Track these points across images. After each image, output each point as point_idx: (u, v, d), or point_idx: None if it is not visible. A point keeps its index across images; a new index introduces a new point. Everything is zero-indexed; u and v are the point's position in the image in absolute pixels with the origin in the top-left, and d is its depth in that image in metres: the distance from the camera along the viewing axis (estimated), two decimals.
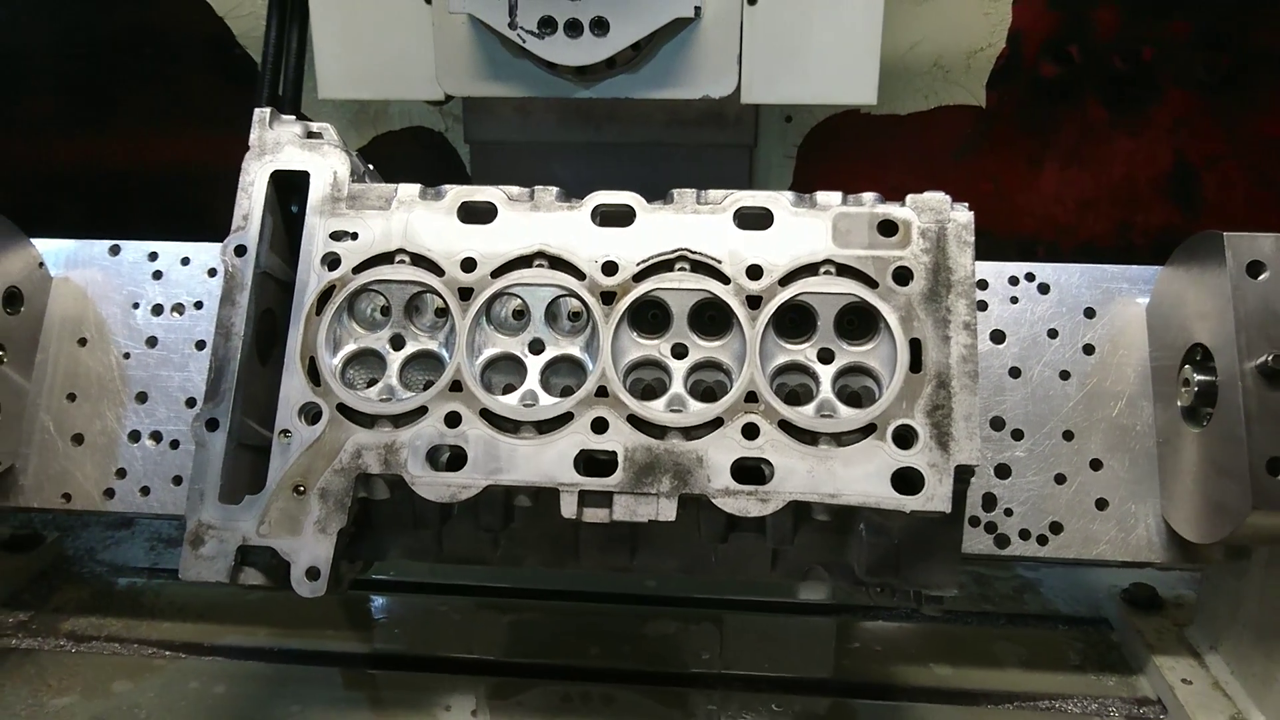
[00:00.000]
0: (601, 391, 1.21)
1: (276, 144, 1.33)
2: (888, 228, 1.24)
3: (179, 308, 1.60)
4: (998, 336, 1.50)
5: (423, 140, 2.40)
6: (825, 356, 1.23)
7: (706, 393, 1.25)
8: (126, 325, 1.59)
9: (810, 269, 1.23)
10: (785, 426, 1.18)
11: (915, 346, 1.19)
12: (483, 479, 1.19)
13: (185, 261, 1.62)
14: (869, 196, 1.26)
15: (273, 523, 1.20)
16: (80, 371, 1.58)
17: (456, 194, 1.29)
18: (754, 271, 1.23)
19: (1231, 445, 1.22)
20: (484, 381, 1.25)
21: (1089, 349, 1.48)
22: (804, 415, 1.18)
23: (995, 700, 1.48)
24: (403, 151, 2.48)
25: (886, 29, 1.64)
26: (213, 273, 1.60)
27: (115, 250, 1.63)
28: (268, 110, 1.35)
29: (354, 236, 1.29)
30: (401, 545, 1.32)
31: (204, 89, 2.44)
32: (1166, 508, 1.37)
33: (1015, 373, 1.48)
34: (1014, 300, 1.50)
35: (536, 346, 1.27)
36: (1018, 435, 1.46)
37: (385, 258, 1.28)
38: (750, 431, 1.18)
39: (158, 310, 1.60)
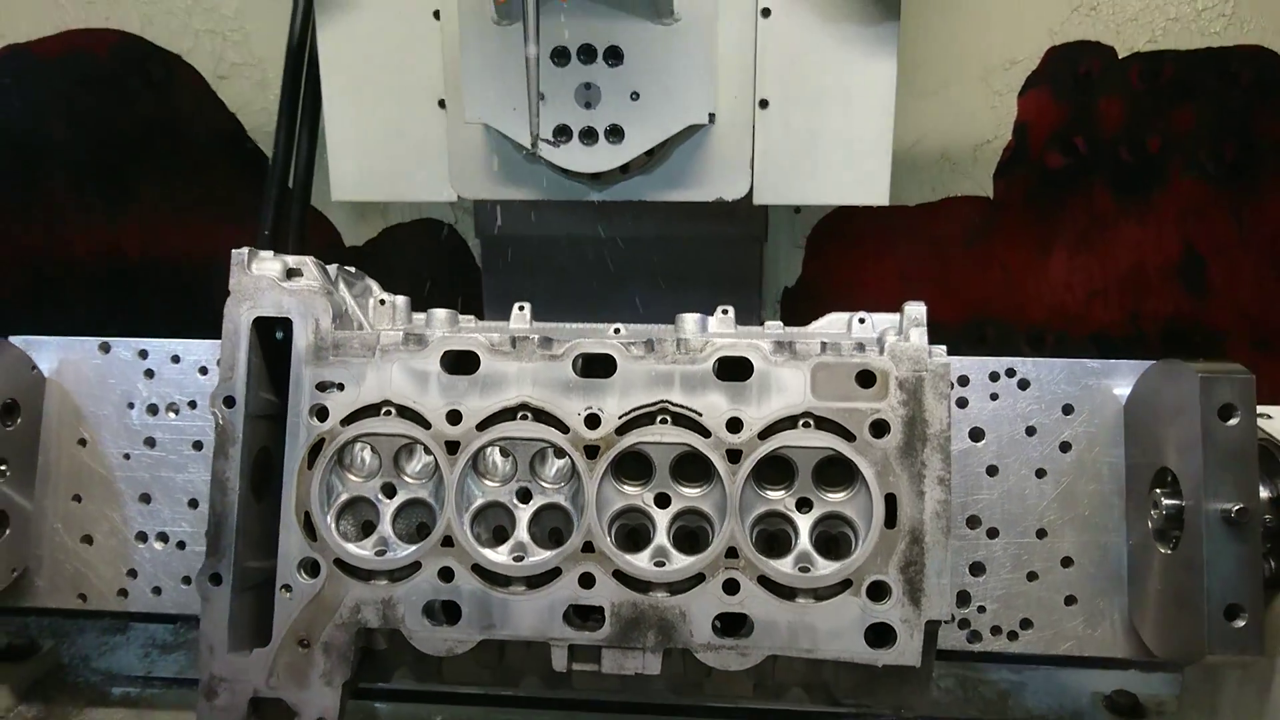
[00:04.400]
0: (588, 546, 1.25)
1: (256, 288, 1.33)
2: (866, 378, 1.25)
3: (174, 407, 1.62)
4: (977, 434, 1.52)
5: (432, 233, 2.43)
6: (804, 505, 1.27)
7: (690, 535, 1.29)
8: (123, 426, 1.62)
9: (789, 420, 1.26)
10: (764, 581, 1.23)
11: (890, 501, 1.23)
12: (477, 634, 1.26)
13: (175, 359, 1.63)
14: (849, 345, 1.27)
15: (280, 675, 1.27)
16: (83, 473, 1.62)
17: (438, 343, 1.30)
18: (734, 425, 1.26)
19: (1193, 579, 1.27)
20: (474, 530, 1.29)
21: (1065, 446, 1.50)
22: (783, 572, 1.23)
23: None
24: (412, 244, 2.54)
25: (893, 124, 1.68)
26: (204, 370, 1.61)
27: (105, 348, 1.64)
28: (245, 250, 1.35)
29: (340, 387, 1.31)
30: (403, 672, 1.39)
31: (217, 181, 2.54)
32: (1135, 614, 1.43)
33: (993, 470, 1.51)
34: (994, 397, 1.52)
35: (524, 495, 1.30)
36: (993, 533, 1.50)
37: (372, 409, 1.30)
38: (731, 587, 1.23)
39: (153, 410, 1.62)
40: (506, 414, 1.29)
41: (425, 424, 1.29)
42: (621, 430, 1.27)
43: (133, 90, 2.48)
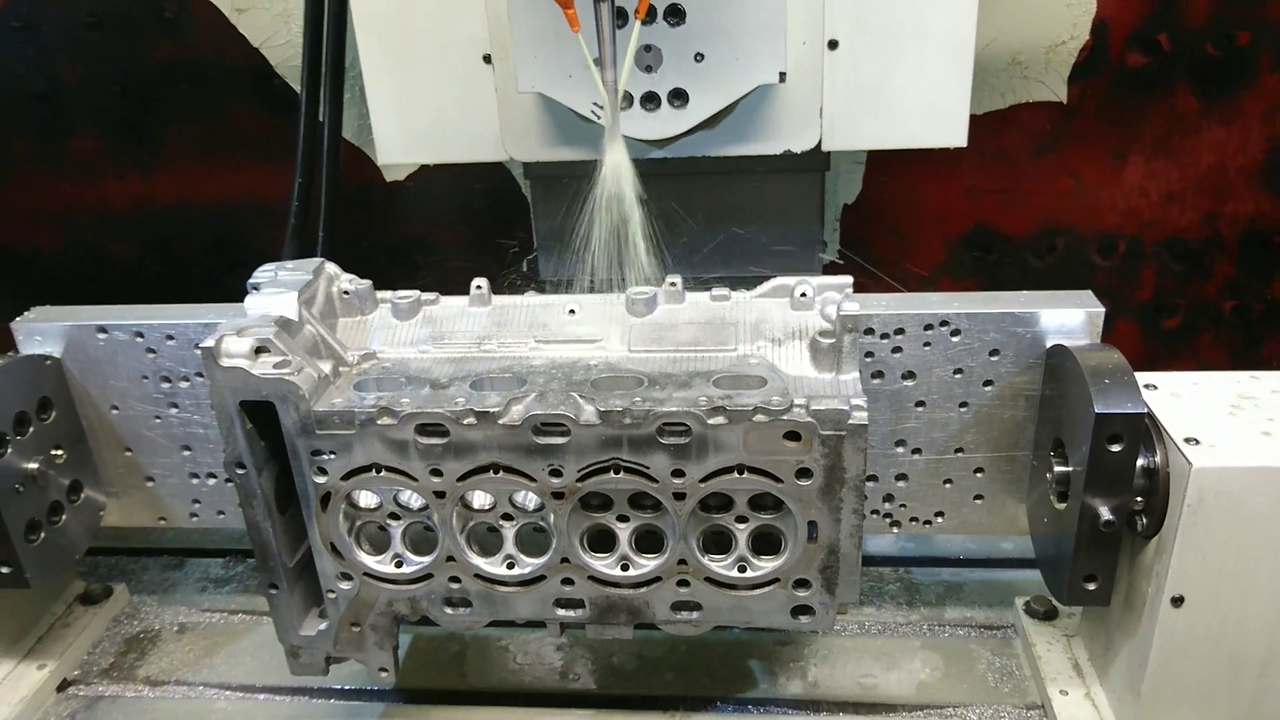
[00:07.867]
0: (564, 559, 1.53)
1: (231, 379, 1.44)
2: (792, 436, 1.40)
3: (185, 378, 1.78)
4: (909, 376, 1.66)
5: (479, 169, 2.24)
6: (741, 520, 1.50)
7: (650, 533, 1.55)
8: (144, 394, 1.80)
9: (726, 470, 1.44)
10: (710, 580, 1.53)
11: (812, 525, 1.46)
12: (487, 616, 1.60)
13: (170, 338, 1.75)
14: (777, 403, 1.38)
15: (343, 644, 1.65)
16: (124, 431, 1.84)
17: (409, 417, 1.44)
18: (677, 473, 1.44)
19: (1065, 541, 1.53)
20: (471, 544, 1.56)
21: (988, 382, 1.65)
22: (725, 573, 1.52)
23: (909, 710, 1.71)
24: (458, 177, 2.38)
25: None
26: (198, 346, 1.74)
27: (103, 330, 1.76)
28: (210, 344, 1.43)
29: (333, 452, 1.48)
30: None
31: (246, 120, 2.44)
32: (1032, 525, 1.70)
33: (921, 404, 1.68)
34: (926, 344, 1.62)
35: (507, 516, 1.54)
36: (917, 451, 1.72)
37: (364, 469, 1.49)
38: (683, 584, 1.53)
39: (166, 379, 1.79)
40: (481, 470, 1.48)
41: (413, 479, 1.49)
42: (581, 480, 1.46)
43: (146, 30, 2.31)
